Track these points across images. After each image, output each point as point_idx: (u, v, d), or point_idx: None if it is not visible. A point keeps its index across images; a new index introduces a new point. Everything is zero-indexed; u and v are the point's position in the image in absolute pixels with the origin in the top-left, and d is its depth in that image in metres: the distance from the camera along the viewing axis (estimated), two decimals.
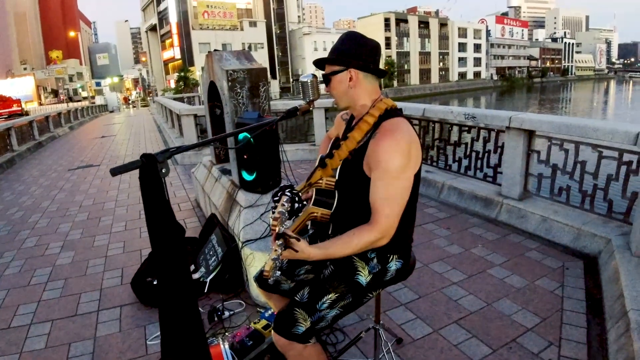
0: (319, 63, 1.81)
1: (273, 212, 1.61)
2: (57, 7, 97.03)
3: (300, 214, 1.76)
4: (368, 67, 1.72)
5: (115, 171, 1.24)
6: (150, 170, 1.27)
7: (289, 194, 1.67)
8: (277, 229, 1.44)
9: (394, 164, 1.58)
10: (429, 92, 71.52)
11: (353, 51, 1.71)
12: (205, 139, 1.51)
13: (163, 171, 1.27)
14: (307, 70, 57.19)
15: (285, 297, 2.06)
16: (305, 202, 1.75)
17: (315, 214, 1.80)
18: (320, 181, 1.80)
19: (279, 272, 1.96)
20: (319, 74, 1.84)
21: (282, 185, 1.72)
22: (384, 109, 1.71)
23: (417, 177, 1.70)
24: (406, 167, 1.61)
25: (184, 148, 1.34)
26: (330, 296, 1.75)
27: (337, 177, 1.76)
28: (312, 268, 2.02)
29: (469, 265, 3.60)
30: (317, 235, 2.02)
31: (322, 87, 1.82)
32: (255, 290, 3.13)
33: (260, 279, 2.08)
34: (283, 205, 1.57)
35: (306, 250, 1.50)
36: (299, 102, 2.10)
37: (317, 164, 1.81)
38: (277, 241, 1.41)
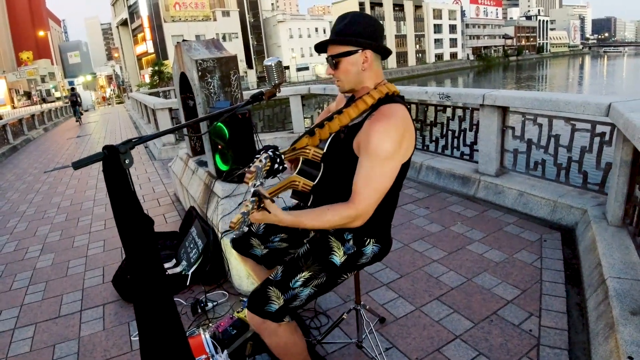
0: (321, 45, 1.72)
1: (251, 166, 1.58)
2: (24, 7, 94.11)
3: (281, 180, 1.75)
4: (379, 48, 1.68)
5: (78, 164, 1.21)
6: (113, 161, 1.24)
7: (270, 153, 1.62)
8: (250, 182, 1.43)
9: (384, 148, 1.55)
10: (407, 75, 71.46)
11: (366, 31, 1.64)
12: (169, 128, 1.48)
13: (126, 162, 1.24)
14: (284, 58, 56.52)
15: (259, 264, 2.10)
16: (285, 165, 1.72)
17: (297, 183, 1.78)
18: (307, 150, 1.76)
19: (247, 228, 1.95)
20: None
21: (266, 145, 1.67)
22: (384, 93, 1.68)
23: (405, 166, 1.68)
24: (395, 155, 1.59)
25: (147, 138, 1.31)
26: (303, 274, 1.74)
27: (325, 151, 1.73)
28: (287, 237, 2.03)
29: (448, 242, 3.64)
30: (299, 208, 2.01)
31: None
32: (237, 279, 3.13)
33: (236, 242, 2.09)
34: (261, 161, 1.53)
35: (279, 213, 1.48)
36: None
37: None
38: (250, 197, 1.39)
